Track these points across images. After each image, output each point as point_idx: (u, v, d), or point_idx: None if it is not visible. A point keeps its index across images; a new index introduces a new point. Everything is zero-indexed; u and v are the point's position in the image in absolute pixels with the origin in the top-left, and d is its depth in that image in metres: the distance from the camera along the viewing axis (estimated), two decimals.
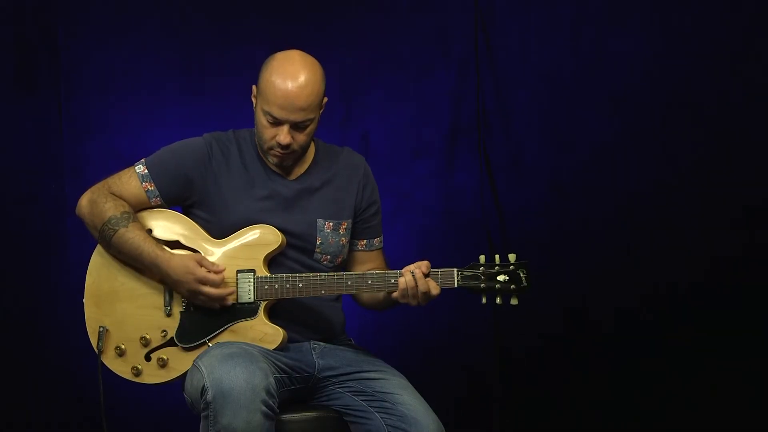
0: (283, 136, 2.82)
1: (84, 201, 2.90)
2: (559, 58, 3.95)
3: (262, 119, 2.85)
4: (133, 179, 2.90)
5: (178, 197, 2.92)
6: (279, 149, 2.85)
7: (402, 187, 4.01)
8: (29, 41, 3.87)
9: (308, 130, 2.86)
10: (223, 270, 2.82)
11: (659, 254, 3.87)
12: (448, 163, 4.03)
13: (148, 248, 2.83)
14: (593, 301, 3.92)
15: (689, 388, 3.85)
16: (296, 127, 2.83)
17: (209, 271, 2.81)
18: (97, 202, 2.87)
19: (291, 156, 2.89)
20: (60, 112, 3.89)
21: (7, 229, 3.81)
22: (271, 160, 2.90)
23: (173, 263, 2.81)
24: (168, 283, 2.85)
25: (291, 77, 2.81)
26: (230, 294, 2.82)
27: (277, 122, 2.83)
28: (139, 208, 2.90)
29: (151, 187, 2.89)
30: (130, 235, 2.83)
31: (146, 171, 2.89)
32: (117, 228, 2.83)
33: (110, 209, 2.85)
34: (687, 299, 3.85)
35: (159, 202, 2.91)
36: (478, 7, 3.97)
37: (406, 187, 4.02)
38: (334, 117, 3.98)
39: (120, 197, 2.88)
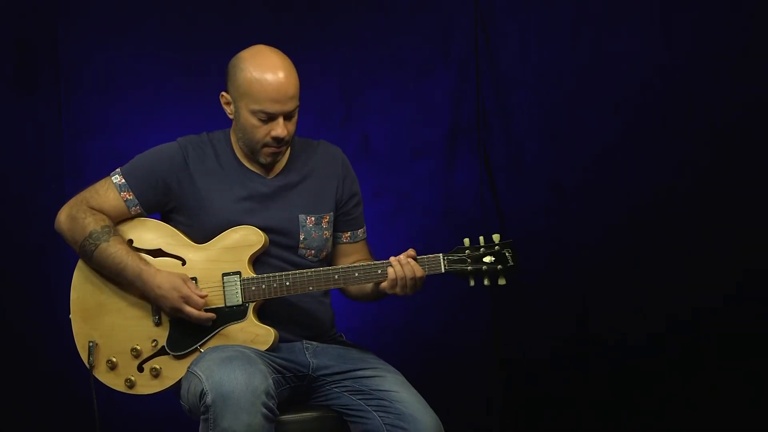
0: (281, 128, 2.82)
1: (63, 216, 2.89)
2: (559, 58, 3.94)
3: (251, 120, 2.83)
4: (111, 190, 2.88)
5: (157, 204, 2.91)
6: (275, 144, 2.85)
7: (402, 187, 4.02)
8: (29, 41, 3.87)
9: (295, 117, 2.87)
10: (207, 296, 2.82)
11: (659, 254, 3.87)
12: (448, 163, 4.03)
13: (132, 262, 2.82)
14: (593, 301, 3.92)
15: (689, 388, 3.85)
16: (287, 116, 2.84)
17: (194, 292, 2.81)
18: (76, 218, 2.86)
19: (284, 148, 2.90)
20: (60, 112, 3.89)
21: (7, 229, 3.82)
22: (264, 159, 2.89)
23: (159, 278, 2.80)
24: (150, 297, 2.83)
25: (274, 69, 2.82)
26: (208, 319, 2.81)
27: (271, 117, 2.82)
28: (119, 219, 2.89)
29: (130, 197, 2.88)
30: (112, 249, 2.82)
31: (123, 180, 2.88)
32: (98, 243, 2.82)
33: (90, 224, 2.84)
34: (687, 299, 3.84)
35: (139, 211, 2.90)
36: (478, 7, 3.97)
37: (406, 187, 4.02)
38: (334, 117, 3.98)
39: (99, 210, 2.87)
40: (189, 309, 2.79)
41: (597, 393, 3.92)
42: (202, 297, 2.81)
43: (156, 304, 2.84)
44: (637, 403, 3.90)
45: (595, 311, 3.92)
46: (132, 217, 2.91)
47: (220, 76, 3.87)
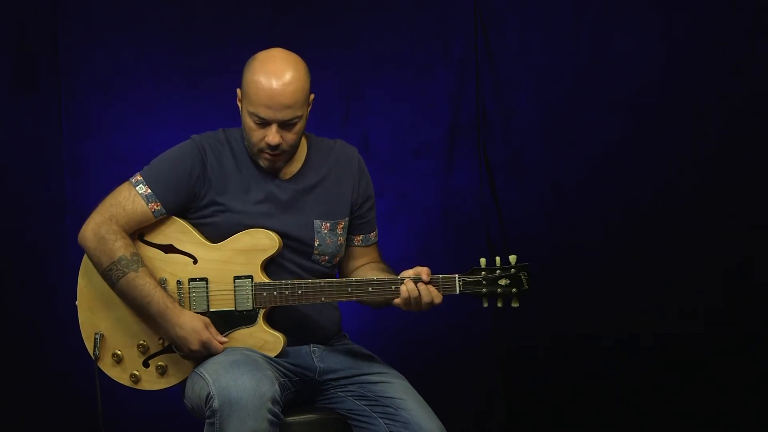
0: (272, 136, 2.78)
1: (89, 233, 2.80)
2: (559, 58, 3.95)
3: (249, 121, 2.80)
4: (138, 203, 2.81)
5: (181, 208, 2.87)
6: (269, 151, 2.81)
7: (402, 187, 4.01)
8: (29, 41, 3.86)
9: (297, 128, 2.82)
10: (227, 342, 2.79)
11: (659, 254, 3.88)
12: (447, 163, 4.03)
13: (158, 298, 2.77)
14: (593, 302, 3.92)
15: (690, 390, 3.86)
16: (284, 126, 2.79)
17: (214, 338, 2.78)
18: (105, 239, 2.77)
19: (282, 157, 2.84)
20: (60, 112, 3.88)
21: (7, 229, 3.81)
22: (263, 163, 2.85)
23: (182, 319, 2.77)
24: (170, 336, 2.79)
25: (275, 75, 2.76)
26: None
27: (264, 123, 2.78)
28: (143, 225, 2.83)
29: (158, 207, 2.82)
30: (141, 281, 2.76)
31: (150, 191, 2.81)
32: (127, 271, 2.76)
33: (120, 249, 2.77)
34: (687, 299, 3.85)
35: (164, 217, 2.85)
36: (478, 7, 3.97)
37: (406, 187, 4.02)
38: (334, 117, 3.98)
39: (126, 223, 2.80)
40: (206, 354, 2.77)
41: (597, 393, 3.93)
42: (222, 343, 2.78)
43: (174, 344, 2.81)
44: (637, 402, 3.91)
45: (595, 311, 3.92)
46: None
47: (219, 76, 3.90)
